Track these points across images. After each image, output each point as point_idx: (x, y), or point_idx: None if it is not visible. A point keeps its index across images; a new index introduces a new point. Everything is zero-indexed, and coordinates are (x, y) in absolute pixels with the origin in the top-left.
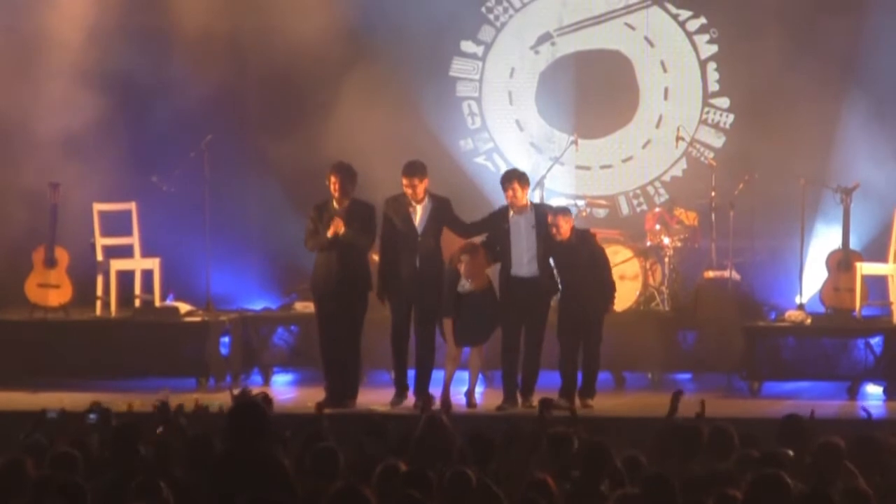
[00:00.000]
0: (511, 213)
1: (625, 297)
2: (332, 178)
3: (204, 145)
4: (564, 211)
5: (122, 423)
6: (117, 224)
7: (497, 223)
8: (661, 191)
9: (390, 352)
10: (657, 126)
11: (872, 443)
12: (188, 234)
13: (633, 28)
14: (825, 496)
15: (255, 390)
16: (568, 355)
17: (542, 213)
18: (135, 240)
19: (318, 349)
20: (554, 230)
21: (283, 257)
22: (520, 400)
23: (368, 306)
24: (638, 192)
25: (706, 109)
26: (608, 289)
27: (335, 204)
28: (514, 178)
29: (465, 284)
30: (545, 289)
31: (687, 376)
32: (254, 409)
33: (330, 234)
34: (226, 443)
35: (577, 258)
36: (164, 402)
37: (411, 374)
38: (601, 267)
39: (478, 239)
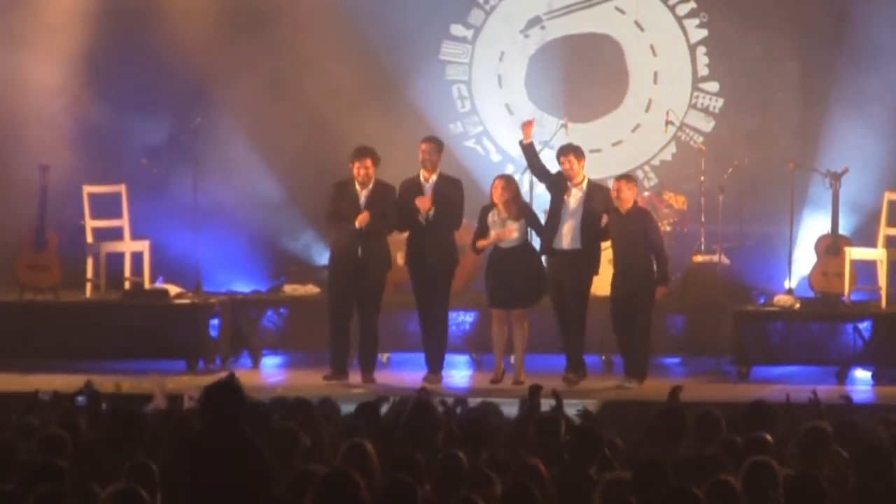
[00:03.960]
0: (569, 185)
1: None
2: (367, 162)
3: (193, 127)
4: (629, 178)
5: (119, 405)
6: (107, 206)
7: (557, 190)
8: (651, 175)
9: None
10: (646, 110)
11: (854, 428)
12: (178, 216)
13: (622, 12)
14: (813, 480)
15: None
16: (620, 333)
17: (593, 190)
18: (124, 222)
19: (329, 323)
20: (614, 194)
21: (273, 240)
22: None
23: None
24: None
25: (695, 94)
26: (662, 265)
27: (358, 187)
28: (570, 150)
29: (502, 223)
30: (584, 264)
31: (676, 360)
32: (229, 390)
33: (358, 225)
34: (201, 423)
35: (632, 232)
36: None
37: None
38: (655, 245)
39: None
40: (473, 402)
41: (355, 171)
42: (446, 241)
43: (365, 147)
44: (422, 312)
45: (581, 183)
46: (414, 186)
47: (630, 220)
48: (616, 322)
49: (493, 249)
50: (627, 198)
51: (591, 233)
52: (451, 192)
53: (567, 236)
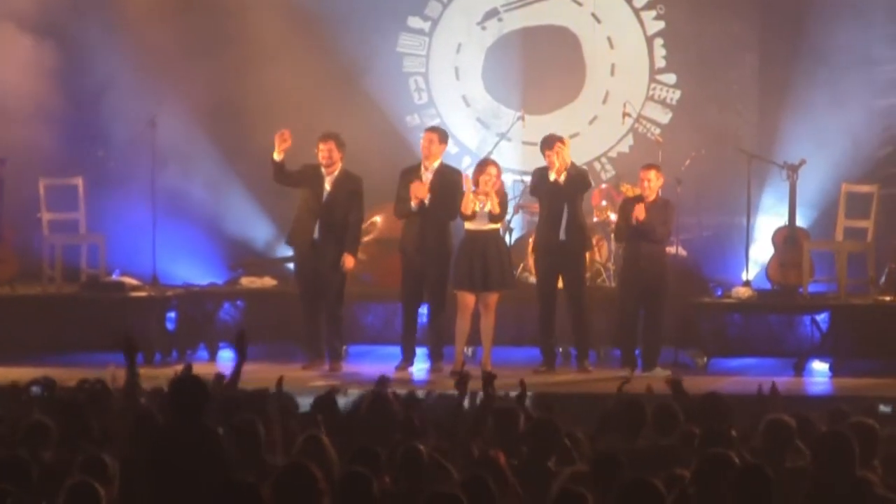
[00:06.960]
0: (552, 175)
1: None
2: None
3: (150, 119)
4: (658, 168)
5: (69, 396)
6: (63, 199)
7: (542, 186)
8: (608, 167)
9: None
10: (604, 102)
11: (808, 422)
12: (134, 209)
13: (579, 4)
14: (759, 470)
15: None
16: (628, 324)
17: (576, 174)
18: (81, 215)
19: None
20: (645, 184)
21: (230, 232)
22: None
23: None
24: (584, 168)
25: (653, 85)
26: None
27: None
28: (555, 140)
29: (482, 209)
30: (577, 249)
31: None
32: (193, 385)
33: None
34: (166, 417)
35: (652, 221)
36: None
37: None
38: (666, 233)
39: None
40: (421, 393)
41: (319, 154)
42: (441, 229)
43: (330, 131)
44: (409, 301)
45: (565, 169)
46: (413, 174)
47: (654, 210)
48: (629, 313)
49: (467, 233)
50: (656, 187)
51: (579, 217)
52: (450, 181)
53: (561, 227)
